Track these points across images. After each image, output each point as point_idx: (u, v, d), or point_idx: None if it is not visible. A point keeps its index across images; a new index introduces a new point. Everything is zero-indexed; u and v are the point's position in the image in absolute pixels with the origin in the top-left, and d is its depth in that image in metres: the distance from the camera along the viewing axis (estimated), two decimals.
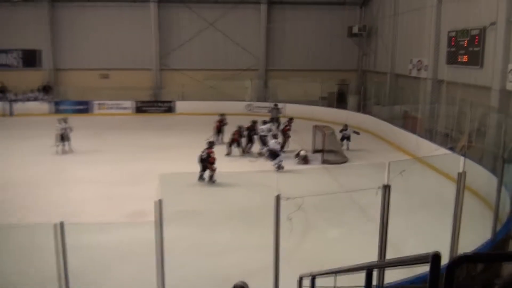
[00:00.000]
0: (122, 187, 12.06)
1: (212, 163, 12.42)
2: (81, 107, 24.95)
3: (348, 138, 16.69)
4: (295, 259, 7.74)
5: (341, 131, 16.75)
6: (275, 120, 19.30)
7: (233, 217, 9.79)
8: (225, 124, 17.17)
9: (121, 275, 7.42)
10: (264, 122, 16.22)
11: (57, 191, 11.71)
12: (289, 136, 16.26)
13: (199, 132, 19.50)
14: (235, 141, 15.80)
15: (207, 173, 12.31)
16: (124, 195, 11.34)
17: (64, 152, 15.09)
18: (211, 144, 12.93)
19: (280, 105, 21.65)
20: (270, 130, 15.55)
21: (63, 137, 15.18)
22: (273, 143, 13.15)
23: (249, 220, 9.67)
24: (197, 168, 12.41)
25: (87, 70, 25.94)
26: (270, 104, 23.81)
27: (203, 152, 12.62)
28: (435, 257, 2.23)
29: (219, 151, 15.86)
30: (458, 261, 2.12)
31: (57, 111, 24.58)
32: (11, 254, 7.80)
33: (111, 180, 12.76)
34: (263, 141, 15.41)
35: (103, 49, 26.01)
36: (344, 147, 16.32)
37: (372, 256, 7.20)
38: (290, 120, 17.01)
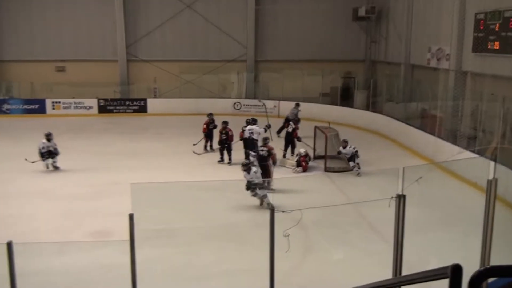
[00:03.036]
0: (82, 202, 12.04)
1: (274, 162, 13.28)
2: (32, 106, 24.84)
3: (352, 158, 14.79)
4: (292, 284, 7.81)
5: (338, 153, 15.16)
6: (293, 121, 19.18)
7: (217, 235, 9.84)
8: (215, 126, 17.07)
9: None
10: (253, 121, 16.22)
11: (2, 207, 11.64)
12: (300, 140, 16.38)
13: (177, 136, 19.70)
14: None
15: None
16: (84, 211, 11.35)
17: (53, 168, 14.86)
18: (266, 141, 13.82)
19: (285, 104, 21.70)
20: (259, 133, 15.56)
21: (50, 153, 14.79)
22: (253, 174, 11.55)
23: (237, 238, 9.72)
24: (174, 177, 12.45)
25: (38, 62, 25.95)
26: (260, 102, 24.03)
27: (261, 151, 13.22)
28: (455, 270, 2.30)
29: (208, 160, 16.11)
30: (483, 274, 2.18)
31: (0, 112, 24.49)
32: None
33: (69, 194, 12.73)
34: (250, 146, 15.37)
35: (57, 36, 26.05)
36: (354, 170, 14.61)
37: (381, 279, 7.29)
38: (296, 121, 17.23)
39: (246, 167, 11.15)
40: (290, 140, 16.25)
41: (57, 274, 8.16)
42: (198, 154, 15.53)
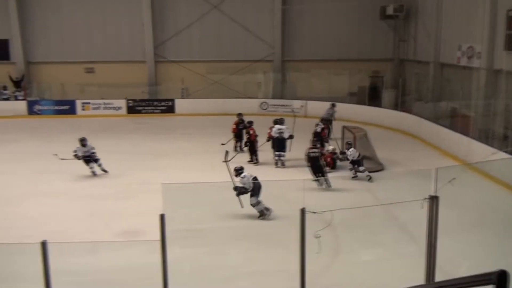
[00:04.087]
0: (111, 202, 12.17)
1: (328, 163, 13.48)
2: (63, 107, 25.26)
3: (358, 162, 14.04)
4: (321, 286, 7.73)
5: (342, 153, 14.54)
6: (327, 122, 19.00)
7: (246, 235, 9.82)
8: (245, 126, 16.89)
9: None
10: (280, 121, 16.16)
11: (34, 207, 11.84)
12: (327, 141, 16.28)
13: (204, 136, 19.74)
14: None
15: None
16: (114, 211, 11.44)
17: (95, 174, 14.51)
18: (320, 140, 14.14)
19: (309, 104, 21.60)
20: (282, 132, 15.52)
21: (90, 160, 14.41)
22: (240, 179, 11.08)
23: (265, 239, 9.68)
24: (202, 177, 12.47)
25: (68, 64, 26.39)
26: (288, 102, 23.95)
27: (312, 151, 13.26)
28: (502, 276, 2.22)
29: (237, 160, 16.03)
30: None
31: (32, 113, 24.98)
32: None
33: (98, 194, 12.88)
34: (279, 146, 15.35)
35: (86, 38, 26.45)
36: (360, 176, 13.81)
37: (412, 282, 7.16)
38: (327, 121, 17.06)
39: (237, 173, 11.04)
40: (319, 141, 16.08)
41: (88, 273, 8.24)
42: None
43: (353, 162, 13.99)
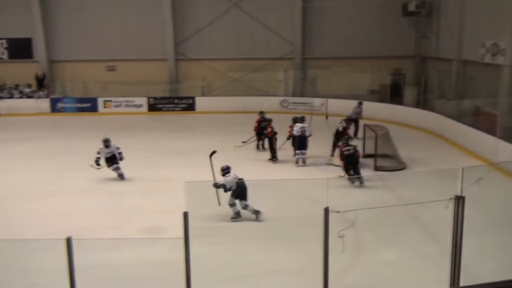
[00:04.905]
0: (133, 199, 12.26)
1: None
2: (85, 105, 25.55)
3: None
4: (342, 285, 7.67)
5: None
6: (353, 120, 18.88)
7: (267, 234, 9.81)
8: (267, 124, 16.84)
9: None
10: (300, 119, 16.13)
11: (57, 204, 11.98)
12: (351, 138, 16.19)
13: (225, 134, 19.76)
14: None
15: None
16: (135, 208, 11.52)
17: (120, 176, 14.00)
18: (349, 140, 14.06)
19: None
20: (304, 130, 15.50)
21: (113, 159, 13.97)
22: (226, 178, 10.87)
23: (287, 237, 9.67)
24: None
25: (90, 62, 26.69)
26: (309, 100, 23.87)
27: (347, 149, 13.30)
28: None
29: (258, 158, 16.23)
30: None
31: (55, 110, 25.32)
32: (6, 273, 8.03)
33: (120, 191, 13.00)
34: (301, 144, 15.36)
35: (108, 36, 26.69)
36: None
37: (436, 283, 7.10)
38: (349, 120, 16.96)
39: (223, 172, 10.95)
40: (340, 139, 15.99)
41: (111, 269, 8.31)
42: (243, 143, 15.37)
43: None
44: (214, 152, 11.16)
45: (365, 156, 15.59)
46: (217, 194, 10.67)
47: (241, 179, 10.81)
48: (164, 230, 10.10)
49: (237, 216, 10.68)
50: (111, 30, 26.65)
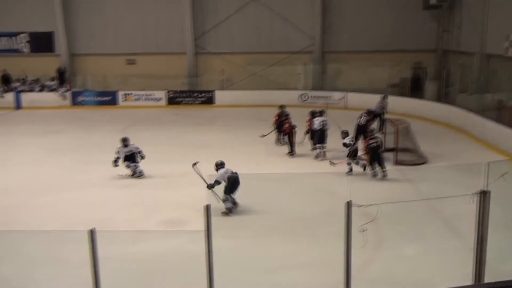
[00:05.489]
0: (153, 192, 12.34)
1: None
2: (105, 98, 25.76)
3: (355, 153, 13.74)
4: (363, 280, 7.65)
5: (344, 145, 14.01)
6: (378, 115, 18.65)
7: (289, 227, 9.82)
8: (287, 118, 16.77)
9: None
10: (320, 113, 16.07)
11: (78, 196, 12.12)
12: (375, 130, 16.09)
13: (244, 128, 19.79)
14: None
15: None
16: (156, 201, 11.60)
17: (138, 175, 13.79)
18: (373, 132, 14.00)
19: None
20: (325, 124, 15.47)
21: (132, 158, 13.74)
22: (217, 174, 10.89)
23: (308, 231, 9.66)
24: (242, 169, 12.50)
25: (110, 56, 26.86)
26: (328, 94, 23.75)
27: (373, 141, 13.17)
28: None
29: (277, 152, 16.21)
30: None
31: (76, 103, 25.59)
32: (31, 264, 8.16)
33: (140, 184, 13.09)
34: (321, 138, 15.33)
35: (128, 30, 26.81)
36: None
37: (458, 279, 7.02)
38: (370, 113, 16.83)
39: (217, 167, 10.88)
40: (362, 133, 15.88)
41: (132, 261, 8.39)
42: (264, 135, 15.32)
43: (351, 154, 13.74)
44: (196, 162, 11.09)
45: (386, 150, 15.48)
46: (214, 193, 10.65)
47: (235, 173, 10.83)
48: (185, 223, 10.17)
49: (228, 212, 10.65)
50: (131, 24, 26.78)
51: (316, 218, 10.30)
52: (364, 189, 11.84)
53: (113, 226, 9.71)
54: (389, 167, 13.57)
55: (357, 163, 13.65)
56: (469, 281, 6.83)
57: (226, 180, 10.66)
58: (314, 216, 10.42)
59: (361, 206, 6.13)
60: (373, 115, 17.62)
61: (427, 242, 9.51)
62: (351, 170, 13.56)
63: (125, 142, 13.77)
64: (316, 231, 9.74)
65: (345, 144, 13.93)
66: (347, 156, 13.67)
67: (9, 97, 25.53)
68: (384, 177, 13.07)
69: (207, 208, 5.82)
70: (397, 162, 14.47)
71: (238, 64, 26.34)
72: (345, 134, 14.22)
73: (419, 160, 14.80)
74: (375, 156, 13.27)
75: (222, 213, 10.56)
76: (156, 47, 26.64)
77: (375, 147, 13.30)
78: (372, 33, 25.93)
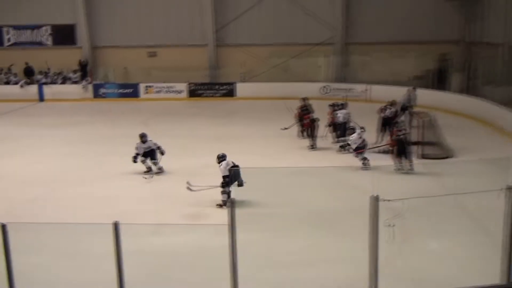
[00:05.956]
0: (174, 185, 12.34)
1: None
2: (127, 90, 25.93)
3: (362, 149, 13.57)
4: (387, 275, 7.55)
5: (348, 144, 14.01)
6: (406, 108, 18.31)
7: (312, 221, 9.75)
8: (308, 112, 16.46)
9: (184, 286, 7.60)
10: (341, 106, 15.95)
11: (101, 189, 12.21)
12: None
13: (265, 120, 19.73)
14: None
15: None
16: (177, 194, 11.61)
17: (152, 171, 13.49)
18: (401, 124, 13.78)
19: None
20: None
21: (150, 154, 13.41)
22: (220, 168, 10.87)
23: (332, 225, 9.58)
24: (266, 162, 12.49)
25: (131, 48, 26.99)
26: (350, 86, 23.55)
27: (401, 133, 13.04)
28: None
29: (298, 145, 16.15)
30: None
31: (97, 96, 25.81)
32: (56, 256, 8.25)
33: (161, 177, 13.13)
34: (343, 131, 15.27)
35: (149, 22, 26.93)
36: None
37: (486, 277, 6.90)
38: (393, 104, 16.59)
39: (219, 160, 10.85)
40: (387, 125, 15.70)
41: (155, 254, 8.41)
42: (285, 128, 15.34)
43: (358, 150, 13.51)
44: (187, 183, 11.07)
45: (410, 144, 15.31)
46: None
47: (237, 166, 10.80)
48: (207, 216, 10.17)
49: (223, 204, 10.52)
50: (152, 16, 26.88)
51: (339, 212, 10.21)
52: (387, 182, 11.65)
53: (134, 219, 9.72)
54: (413, 161, 13.40)
55: (364, 159, 13.39)
56: (497, 279, 6.70)
57: (227, 173, 10.65)
58: (337, 210, 10.33)
59: (387, 200, 6.02)
60: (400, 107, 17.40)
61: (454, 238, 9.34)
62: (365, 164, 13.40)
63: (143, 138, 13.38)
64: (339, 225, 9.64)
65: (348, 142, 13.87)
66: (355, 150, 13.49)
67: (32, 89, 25.85)
68: (410, 171, 12.91)
69: (231, 202, 5.78)
70: (422, 156, 14.27)
71: (259, 56, 26.27)
72: (351, 130, 14.11)
73: (445, 154, 14.59)
74: (402, 149, 13.08)
75: (217, 205, 10.59)
76: (177, 39, 26.70)
77: (403, 139, 13.15)
78: (395, 24, 25.62)
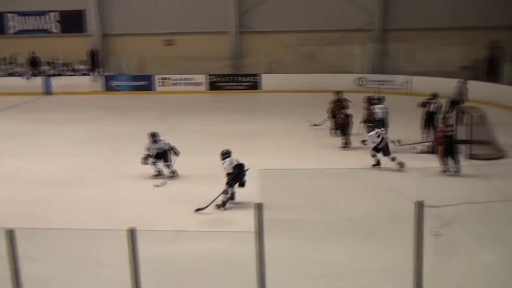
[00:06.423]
0: (196, 187, 12.40)
1: None
2: (140, 83, 26.19)
3: (383, 150, 13.39)
4: None
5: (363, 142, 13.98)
6: (456, 103, 17.96)
7: (347, 229, 9.73)
8: (342, 107, 16.41)
9: None
10: (378, 100, 15.86)
11: (114, 190, 12.38)
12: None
13: (294, 116, 19.70)
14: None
15: None
16: (196, 197, 11.67)
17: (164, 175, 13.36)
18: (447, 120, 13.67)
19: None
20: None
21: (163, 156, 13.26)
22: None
23: (370, 233, 9.55)
24: (296, 163, 12.48)
25: (146, 36, 27.26)
26: (390, 78, 23.39)
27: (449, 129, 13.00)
28: None
29: (330, 144, 16.07)
30: None
31: (109, 89, 26.11)
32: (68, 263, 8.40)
33: (182, 178, 13.19)
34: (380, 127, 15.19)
35: (166, 7, 27.15)
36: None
37: None
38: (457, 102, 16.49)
39: (223, 156, 11.03)
40: (432, 120, 15.57)
41: (173, 262, 8.49)
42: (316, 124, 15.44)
43: (376, 149, 13.36)
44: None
45: (457, 142, 15.16)
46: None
47: (241, 164, 10.92)
48: (229, 221, 10.22)
49: (222, 205, 10.80)
50: (169, 0, 27.04)
51: (378, 218, 10.17)
52: (433, 186, 11.56)
53: (149, 224, 9.83)
54: (461, 162, 13.27)
55: (393, 160, 13.30)
56: None
57: (231, 171, 10.84)
58: (375, 217, 10.29)
59: (433, 206, 5.99)
60: (449, 101, 17.25)
61: (507, 248, 9.24)
62: (378, 163, 13.39)
63: (154, 137, 13.20)
64: (378, 233, 9.61)
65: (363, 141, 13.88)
66: (374, 149, 13.41)
67: (38, 81, 26.27)
68: (456, 172, 12.79)
69: (259, 207, 5.80)
70: (471, 156, 14.16)
71: (287, 45, 26.27)
72: (370, 128, 14.06)
73: (496, 154, 14.47)
74: (449, 148, 12.95)
75: (216, 206, 10.76)
76: (197, 26, 26.88)
77: (451, 136, 13.05)
78: (440, 8, 25.52)
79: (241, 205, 10.72)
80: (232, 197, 11.06)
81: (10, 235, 5.93)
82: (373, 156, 13.45)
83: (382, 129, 13.81)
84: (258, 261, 5.90)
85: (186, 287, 7.94)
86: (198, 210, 10.69)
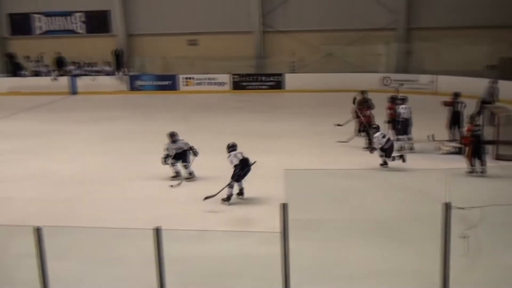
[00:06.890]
0: (217, 187, 12.43)
1: None
2: (164, 82, 26.38)
3: (388, 150, 13.32)
4: None
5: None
6: (487, 103, 17.64)
7: (371, 230, 9.67)
8: (369, 106, 16.11)
9: None
10: (402, 100, 15.73)
11: (138, 189, 12.45)
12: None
13: (318, 116, 19.65)
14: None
15: None
16: (219, 196, 11.69)
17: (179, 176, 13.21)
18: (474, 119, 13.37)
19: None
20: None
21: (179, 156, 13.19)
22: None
23: (393, 235, 9.48)
24: (319, 163, 12.42)
25: (170, 36, 27.49)
26: (414, 77, 23.20)
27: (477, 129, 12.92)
28: None
29: (357, 145, 15.94)
30: None
31: (133, 88, 26.34)
32: (89, 262, 8.48)
33: (205, 177, 13.23)
34: (408, 127, 15.08)
35: (189, 7, 27.32)
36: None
37: None
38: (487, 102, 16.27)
39: (228, 150, 11.17)
40: (458, 120, 15.40)
41: (198, 261, 8.52)
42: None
43: (383, 150, 13.26)
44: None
45: (484, 142, 14.96)
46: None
47: (246, 158, 11.04)
48: (253, 221, 10.24)
49: (227, 199, 10.93)
50: (193, 0, 27.16)
51: (402, 219, 10.09)
52: (459, 188, 11.41)
53: (174, 223, 9.87)
54: (488, 162, 13.11)
55: (393, 159, 13.25)
56: None
57: (236, 161, 10.98)
58: (400, 218, 10.21)
59: (461, 208, 5.93)
60: (480, 102, 17.12)
61: None
62: (385, 162, 13.30)
63: (173, 137, 13.13)
64: (403, 234, 9.54)
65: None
66: (381, 149, 13.32)
67: (64, 81, 26.62)
68: (482, 173, 12.64)
69: (284, 207, 5.80)
70: (498, 157, 13.98)
71: (311, 44, 26.24)
72: (375, 129, 13.84)
73: None
74: (477, 148, 12.83)
75: (222, 199, 10.94)
76: (220, 25, 27.00)
77: (479, 136, 12.97)
78: (466, 6, 25.19)
79: (265, 203, 10.73)
80: (241, 193, 11.20)
81: (38, 233, 6.01)
82: (381, 156, 13.40)
83: (382, 131, 13.75)
84: (282, 261, 5.90)
85: (209, 287, 7.98)
86: (206, 198, 10.90)
